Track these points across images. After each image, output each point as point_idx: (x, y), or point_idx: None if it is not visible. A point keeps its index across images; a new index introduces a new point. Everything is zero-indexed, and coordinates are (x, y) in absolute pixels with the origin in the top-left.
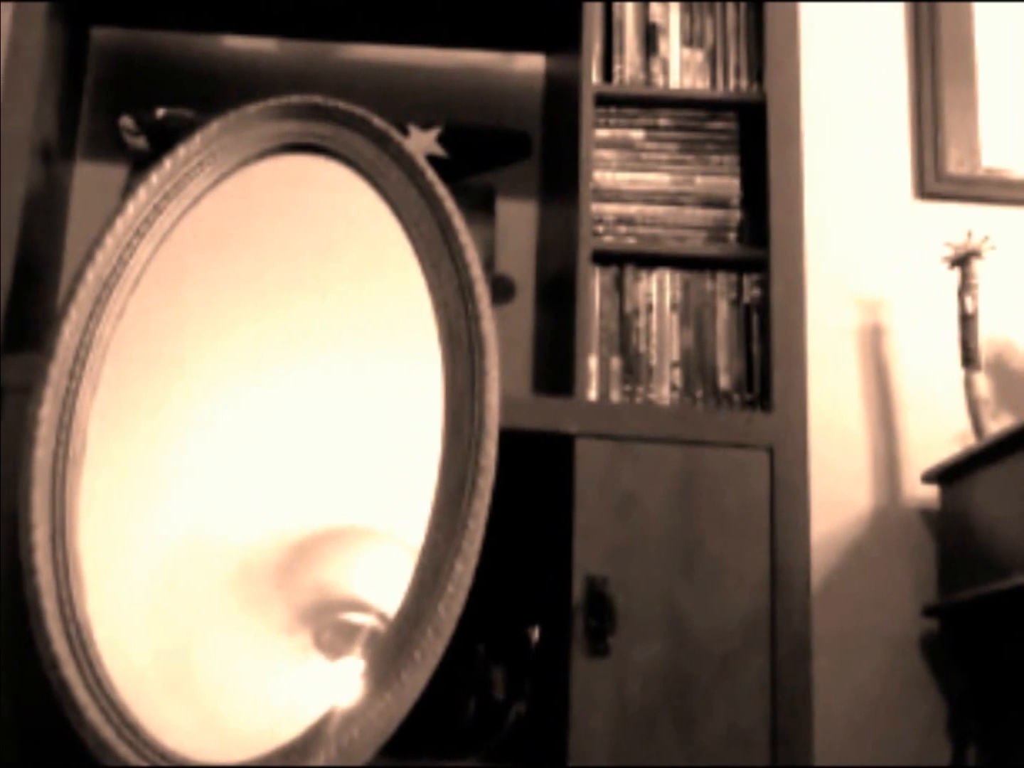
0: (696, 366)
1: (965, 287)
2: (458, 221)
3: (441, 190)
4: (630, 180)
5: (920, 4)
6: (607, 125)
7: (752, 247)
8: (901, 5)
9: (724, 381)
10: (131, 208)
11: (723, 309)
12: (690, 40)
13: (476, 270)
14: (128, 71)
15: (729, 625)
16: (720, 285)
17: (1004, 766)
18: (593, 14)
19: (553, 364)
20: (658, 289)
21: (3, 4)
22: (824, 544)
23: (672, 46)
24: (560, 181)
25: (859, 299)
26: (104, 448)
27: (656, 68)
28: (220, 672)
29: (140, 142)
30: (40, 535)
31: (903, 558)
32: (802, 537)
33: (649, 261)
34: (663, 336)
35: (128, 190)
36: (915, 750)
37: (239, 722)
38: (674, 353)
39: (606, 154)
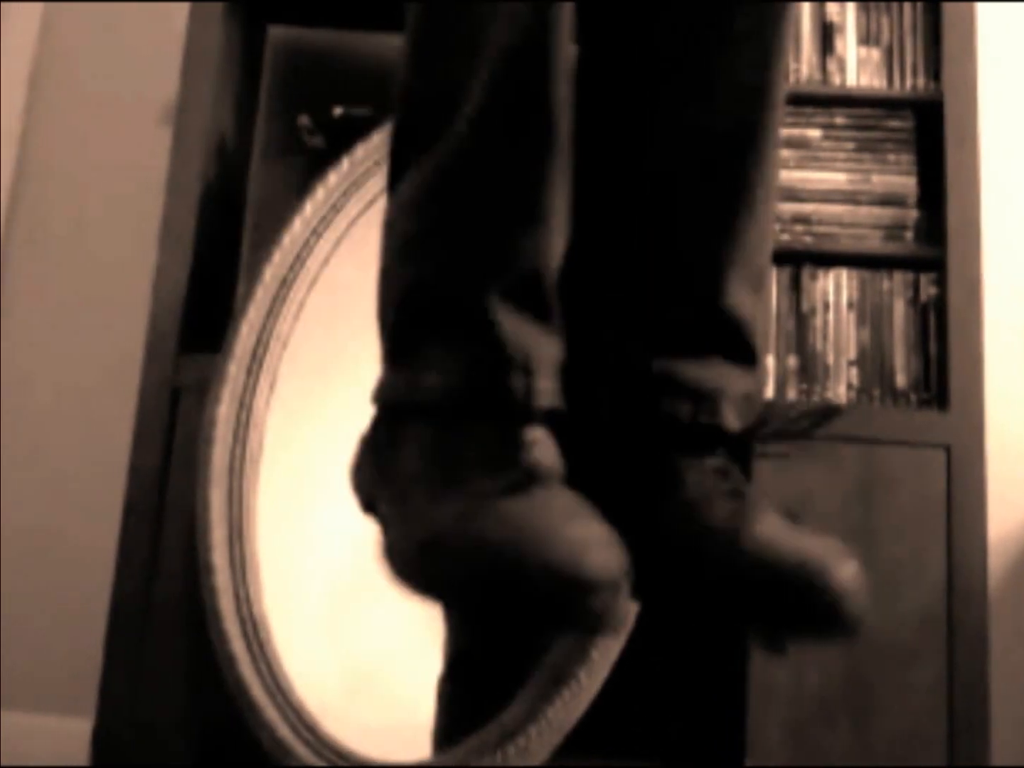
0: (873, 365)
1: None
2: None
3: None
4: (807, 179)
5: None
6: (784, 124)
7: (929, 246)
8: None
9: (901, 380)
10: (309, 207)
11: (900, 308)
12: (867, 38)
13: None
14: (305, 69)
15: (906, 624)
16: (897, 284)
17: None
18: None
19: None
20: (835, 288)
21: (181, 4)
22: (1001, 544)
23: (849, 44)
24: None
25: None
26: (282, 446)
27: (833, 67)
28: (397, 672)
29: (317, 140)
30: (218, 534)
31: None
32: (979, 537)
33: (826, 260)
34: (840, 335)
35: (306, 189)
36: None
37: (416, 722)
38: (851, 352)
39: (783, 153)
